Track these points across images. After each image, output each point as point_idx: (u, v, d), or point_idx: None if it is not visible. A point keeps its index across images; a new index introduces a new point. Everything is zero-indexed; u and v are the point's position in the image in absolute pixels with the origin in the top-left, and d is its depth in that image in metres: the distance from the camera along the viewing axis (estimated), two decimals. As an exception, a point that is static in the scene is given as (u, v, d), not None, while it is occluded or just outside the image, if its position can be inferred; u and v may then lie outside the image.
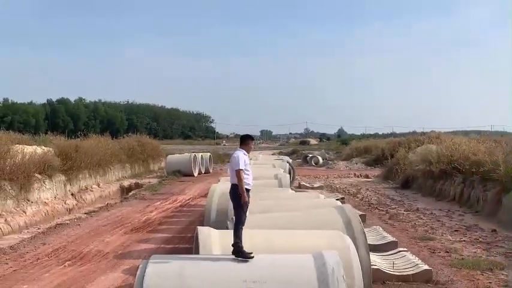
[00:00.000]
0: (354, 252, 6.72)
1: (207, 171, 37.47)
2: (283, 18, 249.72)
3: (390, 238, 11.95)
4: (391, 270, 9.46)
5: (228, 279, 5.63)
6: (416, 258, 10.28)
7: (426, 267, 9.54)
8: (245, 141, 6.99)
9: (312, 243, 6.63)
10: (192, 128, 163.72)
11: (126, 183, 29.40)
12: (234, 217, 8.46)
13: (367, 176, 34.64)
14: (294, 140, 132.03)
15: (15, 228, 15.70)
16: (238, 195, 6.53)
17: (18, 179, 17.60)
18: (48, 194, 19.90)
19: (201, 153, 39.39)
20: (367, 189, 26.30)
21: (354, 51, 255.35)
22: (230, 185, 6.72)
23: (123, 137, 40.93)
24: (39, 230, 15.62)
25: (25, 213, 17.10)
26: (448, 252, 11.76)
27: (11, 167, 17.64)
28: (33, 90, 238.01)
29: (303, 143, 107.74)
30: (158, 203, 20.77)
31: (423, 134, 45.46)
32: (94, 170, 25.86)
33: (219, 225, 9.34)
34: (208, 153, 41.67)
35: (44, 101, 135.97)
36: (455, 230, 14.60)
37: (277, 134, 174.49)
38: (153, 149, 40.35)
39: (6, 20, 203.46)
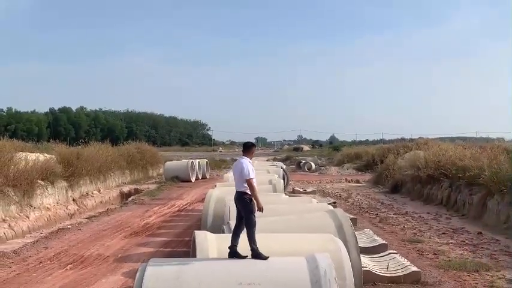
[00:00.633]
0: (345, 254, 6.72)
1: (203, 177, 37.41)
2: (277, 29, 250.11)
3: (380, 241, 11.95)
4: (382, 271, 9.47)
5: (224, 281, 5.62)
6: (406, 260, 10.28)
7: (415, 268, 9.55)
8: (248, 148, 6.92)
9: (305, 246, 6.63)
10: (189, 135, 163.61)
11: (125, 189, 29.30)
12: (229, 222, 8.46)
13: (357, 181, 34.65)
14: (287, 146, 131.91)
15: (19, 233, 15.63)
16: (247, 201, 6.51)
17: (21, 185, 17.53)
18: (50, 199, 19.83)
19: (198, 160, 39.30)
20: (358, 193, 26.31)
21: (345, 61, 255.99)
22: (235, 191, 6.68)
23: (123, 144, 40.85)
24: (41, 235, 15.55)
25: (28, 218, 17.03)
26: (435, 254, 11.77)
27: (14, 173, 17.57)
28: (36, 99, 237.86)
29: (296, 149, 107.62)
30: (157, 208, 20.71)
31: (411, 140, 45.58)
32: (95, 176, 25.79)
33: (216, 229, 9.34)
34: (205, 160, 41.63)
35: (47, 109, 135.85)
36: (443, 233, 14.62)
37: (272, 140, 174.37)
38: (151, 155, 40.27)
39: (10, 31, 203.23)
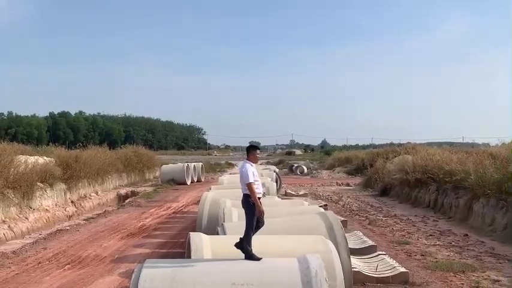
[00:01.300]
0: (335, 255, 6.71)
1: (199, 180, 37.35)
2: (270, 37, 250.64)
3: (370, 242, 11.94)
4: (371, 272, 9.47)
5: (218, 282, 5.60)
6: (394, 261, 10.28)
7: (403, 269, 9.55)
8: (251, 151, 6.81)
9: (296, 247, 6.62)
10: (185, 139, 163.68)
11: (122, 191, 29.22)
12: (223, 223, 8.45)
13: (348, 184, 34.67)
14: (280, 150, 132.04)
15: (18, 234, 15.55)
16: (249, 204, 6.47)
17: (21, 187, 17.47)
18: (49, 201, 19.75)
19: (193, 163, 39.25)
20: (348, 196, 26.32)
21: (336, 68, 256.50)
22: (242, 195, 6.65)
23: (121, 148, 40.75)
24: (40, 236, 15.48)
25: (27, 219, 16.95)
26: (423, 255, 11.78)
27: (14, 176, 17.50)
28: (36, 103, 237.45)
29: (289, 153, 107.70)
30: (153, 210, 20.65)
31: (400, 145, 45.67)
32: (93, 179, 25.72)
33: (210, 231, 9.32)
34: (201, 163, 41.56)
35: (46, 114, 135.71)
36: (430, 235, 14.64)
37: (265, 145, 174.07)
38: (148, 159, 40.18)
39: (11, 36, 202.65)
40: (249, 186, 6.46)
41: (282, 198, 16.33)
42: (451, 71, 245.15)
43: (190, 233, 7.40)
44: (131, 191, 29.32)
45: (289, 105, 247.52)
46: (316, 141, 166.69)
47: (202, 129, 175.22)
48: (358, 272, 9.00)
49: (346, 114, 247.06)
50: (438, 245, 13.17)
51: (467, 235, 14.35)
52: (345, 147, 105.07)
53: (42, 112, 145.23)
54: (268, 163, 59.63)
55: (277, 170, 31.12)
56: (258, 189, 6.55)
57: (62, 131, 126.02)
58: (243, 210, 6.72)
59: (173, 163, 40.90)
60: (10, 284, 9.71)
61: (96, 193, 25.67)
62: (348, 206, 21.90)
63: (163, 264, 6.19)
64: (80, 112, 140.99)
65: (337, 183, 36.05)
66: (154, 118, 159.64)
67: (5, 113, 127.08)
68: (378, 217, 18.42)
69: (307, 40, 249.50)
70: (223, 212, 10.30)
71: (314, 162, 64.61)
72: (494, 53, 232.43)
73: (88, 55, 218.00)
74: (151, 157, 42.25)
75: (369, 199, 25.30)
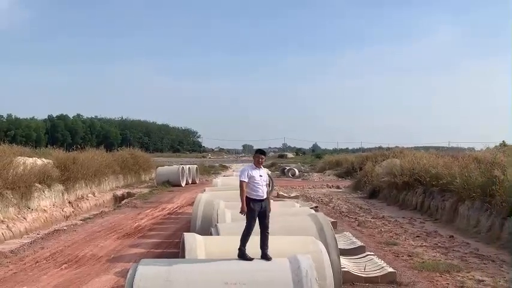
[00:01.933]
0: (326, 256, 6.71)
1: (193, 182, 37.25)
2: (264, 45, 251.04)
3: (359, 243, 11.95)
4: (360, 272, 9.47)
5: (211, 281, 5.59)
6: (382, 261, 10.29)
7: (391, 269, 9.56)
8: (255, 156, 6.84)
9: (287, 248, 6.61)
10: (180, 142, 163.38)
11: (119, 192, 29.11)
12: (217, 224, 8.44)
13: (338, 187, 34.71)
14: (273, 153, 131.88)
15: (16, 234, 15.46)
16: (247, 204, 6.47)
17: (19, 188, 17.39)
18: (47, 202, 19.66)
19: (188, 166, 39.19)
20: (338, 198, 26.34)
21: (327, 76, 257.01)
22: None
23: (117, 150, 40.63)
24: (38, 235, 15.40)
25: (25, 219, 16.86)
26: (410, 256, 11.80)
27: (13, 177, 17.42)
28: (35, 106, 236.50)
29: (281, 156, 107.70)
30: (148, 210, 20.59)
31: (388, 149, 45.74)
32: (90, 180, 25.62)
33: (204, 231, 9.29)
34: (195, 166, 41.48)
35: (45, 116, 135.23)
36: (417, 236, 14.68)
37: (258, 148, 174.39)
38: (144, 161, 40.09)
39: (11, 40, 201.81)
40: (240, 184, 6.50)
41: (274, 200, 16.30)
42: (437, 78, 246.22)
43: (185, 233, 7.38)
44: (127, 192, 29.21)
45: (281, 110, 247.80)
46: (307, 145, 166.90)
47: (197, 133, 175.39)
48: (348, 272, 9.00)
49: (336, 119, 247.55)
50: (425, 246, 13.20)
51: (452, 236, 14.40)
52: (335, 151, 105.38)
53: (41, 115, 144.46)
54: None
55: (269, 172, 31.07)
56: (254, 191, 6.50)
57: (60, 134, 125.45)
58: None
59: (168, 165, 40.76)
60: (8, 282, 9.65)
61: (93, 194, 25.56)
62: (338, 208, 21.92)
63: (158, 263, 6.17)
64: (78, 115, 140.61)
65: (327, 185, 36.08)
66: (151, 121, 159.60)
67: (5, 116, 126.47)
68: (366, 219, 18.45)
69: (299, 48, 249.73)
70: (216, 213, 10.30)
71: (305, 165, 64.74)
72: (479, 62, 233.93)
73: (86, 60, 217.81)
74: (147, 159, 42.16)
75: (358, 201, 25.33)
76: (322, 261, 6.50)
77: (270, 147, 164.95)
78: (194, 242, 6.85)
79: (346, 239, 12.61)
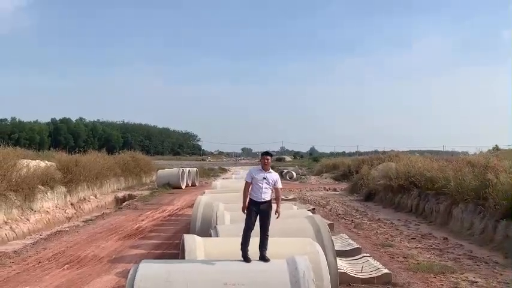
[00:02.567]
0: (323, 257, 6.71)
1: (193, 184, 37.26)
2: (262, 51, 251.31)
3: (355, 245, 11.95)
4: (356, 273, 9.47)
5: (210, 282, 5.58)
6: (378, 262, 10.29)
7: (386, 270, 9.56)
8: (261, 157, 6.82)
9: (285, 249, 6.61)
10: (180, 145, 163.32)
11: (120, 194, 29.08)
12: (216, 226, 8.41)
13: (335, 190, 34.70)
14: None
15: (19, 235, 15.44)
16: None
17: (23, 190, 17.37)
18: (50, 203, 19.63)
19: (188, 168, 39.18)
20: (335, 201, 26.33)
21: (323, 81, 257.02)
22: None
23: (119, 153, 40.56)
24: (41, 236, 15.37)
25: (28, 221, 16.83)
26: (405, 257, 11.79)
27: (16, 179, 17.40)
28: (39, 110, 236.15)
29: (279, 159, 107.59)
30: (149, 212, 20.56)
31: (384, 153, 45.83)
32: (92, 183, 25.60)
33: (204, 233, 9.27)
34: (195, 168, 41.47)
35: (48, 120, 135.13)
36: (412, 238, 14.67)
37: (257, 151, 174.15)
38: (145, 164, 40.09)
39: (15, 45, 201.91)
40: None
41: (272, 202, 16.27)
42: (433, 84, 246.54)
43: (185, 234, 7.37)
44: (128, 194, 29.18)
45: (280, 114, 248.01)
46: (305, 149, 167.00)
47: (197, 136, 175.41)
48: (344, 273, 9.00)
49: (333, 123, 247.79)
50: (419, 247, 13.20)
51: (447, 238, 14.39)
52: (332, 154, 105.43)
53: (44, 118, 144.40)
54: (259, 169, 59.57)
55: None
56: (256, 194, 6.48)
57: (63, 137, 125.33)
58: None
59: (169, 168, 40.78)
60: (11, 282, 9.63)
61: (95, 196, 25.53)
62: (335, 210, 21.91)
63: (158, 264, 6.16)
64: (81, 118, 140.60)
65: (324, 188, 36.06)
66: (152, 125, 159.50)
67: (9, 119, 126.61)
68: (362, 221, 18.44)
69: (298, 54, 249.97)
70: (216, 215, 10.28)
71: (303, 168, 64.66)
72: (474, 69, 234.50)
73: (89, 64, 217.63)
74: (148, 162, 42.16)
75: (354, 204, 25.31)
76: (319, 263, 6.49)
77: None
78: (194, 243, 6.84)
79: (342, 241, 12.60)
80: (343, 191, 33.05)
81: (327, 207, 23.30)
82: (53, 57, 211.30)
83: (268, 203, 6.53)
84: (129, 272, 5.82)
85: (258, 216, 6.46)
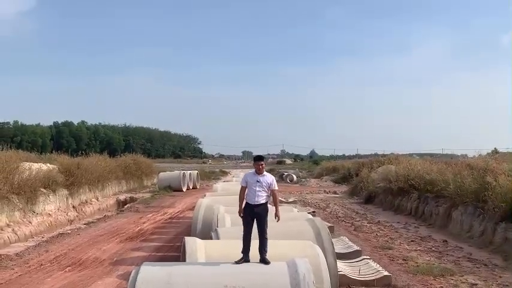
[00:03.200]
0: (323, 259, 6.70)
1: (194, 187, 37.23)
2: (262, 55, 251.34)
3: (355, 247, 11.93)
4: (356, 275, 9.45)
5: (210, 284, 5.58)
6: (378, 265, 10.27)
7: (386, 273, 9.54)
8: (253, 162, 6.83)
9: (286, 252, 6.60)
10: (182, 148, 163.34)
11: (122, 197, 29.08)
12: (217, 229, 8.41)
13: (335, 192, 34.66)
14: (271, 159, 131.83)
15: (22, 237, 15.43)
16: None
17: (25, 192, 17.36)
18: (51, 206, 19.63)
19: (189, 171, 39.18)
20: (335, 203, 26.30)
21: (323, 83, 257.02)
22: None
23: (120, 156, 40.58)
24: (43, 239, 15.35)
25: (31, 223, 16.83)
26: (405, 260, 11.77)
27: (19, 182, 17.40)
28: (41, 113, 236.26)
29: (280, 162, 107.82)
30: (150, 215, 20.55)
31: (384, 156, 45.68)
32: (93, 185, 25.59)
33: (204, 235, 9.27)
34: (196, 171, 41.46)
35: (51, 123, 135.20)
36: (412, 241, 14.65)
37: (257, 154, 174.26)
38: (146, 166, 40.06)
39: (17, 49, 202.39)
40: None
41: (272, 205, 16.26)
42: (431, 88, 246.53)
43: (185, 237, 7.37)
44: (130, 197, 29.18)
45: (280, 117, 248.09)
46: (305, 151, 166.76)
47: (198, 139, 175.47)
48: (344, 276, 8.98)
49: (333, 126, 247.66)
50: (419, 250, 13.18)
51: (446, 241, 14.37)
52: (332, 157, 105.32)
53: (47, 121, 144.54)
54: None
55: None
56: (249, 196, 6.52)
57: (65, 140, 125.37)
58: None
59: (170, 171, 40.75)
60: (13, 284, 9.63)
61: (97, 199, 25.53)
62: (335, 213, 21.89)
63: (159, 267, 6.16)
64: (83, 122, 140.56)
65: (324, 191, 36.05)
66: (153, 128, 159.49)
67: (11, 122, 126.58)
68: (362, 223, 18.42)
69: (298, 58, 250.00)
70: (216, 218, 10.27)
71: (303, 171, 64.71)
72: (472, 74, 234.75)
73: (91, 68, 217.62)
74: (150, 165, 42.13)
75: (354, 206, 25.28)
76: (320, 265, 6.49)
77: (269, 154, 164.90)
78: (195, 245, 6.84)
79: (342, 243, 12.58)
80: (343, 194, 33.02)
81: (327, 209, 23.28)
82: (56, 61, 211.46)
83: (263, 206, 6.53)
84: (130, 274, 5.81)
85: (255, 219, 6.45)
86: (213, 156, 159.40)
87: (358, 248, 11.84)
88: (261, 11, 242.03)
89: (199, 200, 12.81)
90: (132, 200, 28.14)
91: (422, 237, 15.20)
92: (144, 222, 18.31)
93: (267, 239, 6.35)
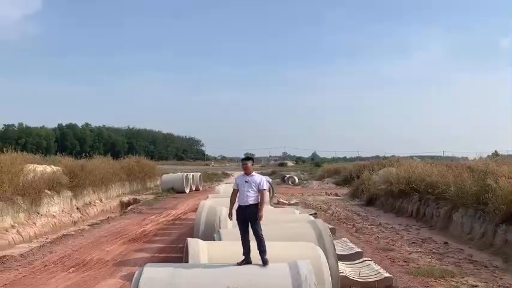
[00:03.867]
0: (324, 261, 6.69)
1: (197, 189, 37.25)
2: (263, 58, 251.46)
3: (356, 249, 11.93)
4: (357, 277, 9.44)
5: (213, 285, 5.57)
6: (379, 266, 10.26)
7: (387, 274, 9.53)
8: (241, 163, 6.78)
9: (287, 253, 6.59)
10: (184, 150, 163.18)
11: (125, 198, 29.09)
12: (219, 230, 8.42)
13: (336, 194, 34.62)
14: (273, 162, 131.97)
15: (26, 238, 15.44)
16: None
17: (29, 194, 17.38)
18: (56, 207, 19.64)
19: (192, 173, 39.17)
20: (337, 205, 26.26)
21: (325, 87, 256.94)
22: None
23: (124, 158, 40.55)
24: (47, 240, 15.37)
25: (35, 224, 16.84)
26: (406, 261, 11.77)
27: (23, 183, 17.43)
28: (45, 116, 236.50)
29: (281, 164, 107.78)
30: (153, 216, 20.56)
31: (385, 158, 45.82)
32: (97, 187, 25.59)
33: (207, 237, 9.26)
34: (199, 173, 41.50)
35: (55, 125, 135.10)
36: (413, 242, 14.63)
37: (259, 156, 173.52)
38: (150, 168, 40.05)
39: (22, 51, 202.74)
40: None
41: (274, 207, 16.29)
42: (433, 91, 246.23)
43: (188, 238, 7.37)
44: (133, 199, 29.21)
45: (282, 119, 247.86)
46: (307, 154, 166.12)
47: (200, 141, 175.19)
48: (345, 277, 8.97)
49: (335, 129, 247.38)
50: (420, 252, 13.16)
51: (447, 243, 14.35)
52: (334, 160, 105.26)
53: (51, 124, 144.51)
54: (262, 173, 59.56)
55: (270, 180, 31.04)
56: (239, 197, 6.51)
57: (69, 142, 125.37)
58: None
59: (173, 173, 40.73)
60: (18, 285, 9.64)
61: (100, 200, 25.53)
62: (336, 215, 21.86)
63: (162, 268, 6.16)
64: (87, 124, 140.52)
65: (326, 193, 36.00)
66: (156, 130, 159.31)
67: (16, 124, 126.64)
68: (364, 225, 18.40)
69: (299, 61, 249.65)
70: (219, 220, 10.28)
71: (305, 173, 64.66)
72: (472, 76, 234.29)
73: (95, 71, 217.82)
74: (153, 167, 42.14)
75: (355, 208, 25.26)
76: (321, 267, 6.48)
77: (270, 156, 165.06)
78: (197, 247, 6.84)
79: (344, 245, 12.57)
80: (344, 196, 32.97)
81: (329, 211, 23.25)
82: (60, 64, 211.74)
83: (254, 207, 6.44)
84: (133, 275, 5.82)
85: (248, 221, 6.43)
86: (215, 158, 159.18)
87: (359, 250, 11.83)
88: (261, 10, 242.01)
89: (201, 202, 12.82)
90: (135, 201, 28.17)
91: (423, 239, 15.18)
92: (147, 224, 18.32)
93: (262, 239, 6.28)
